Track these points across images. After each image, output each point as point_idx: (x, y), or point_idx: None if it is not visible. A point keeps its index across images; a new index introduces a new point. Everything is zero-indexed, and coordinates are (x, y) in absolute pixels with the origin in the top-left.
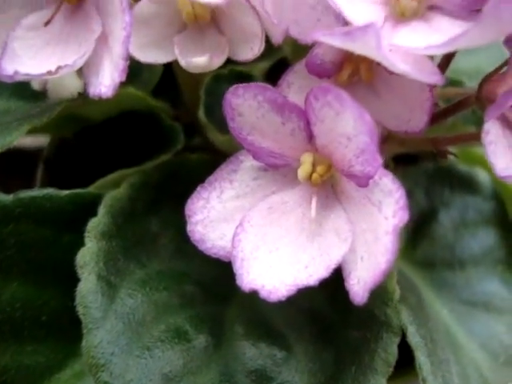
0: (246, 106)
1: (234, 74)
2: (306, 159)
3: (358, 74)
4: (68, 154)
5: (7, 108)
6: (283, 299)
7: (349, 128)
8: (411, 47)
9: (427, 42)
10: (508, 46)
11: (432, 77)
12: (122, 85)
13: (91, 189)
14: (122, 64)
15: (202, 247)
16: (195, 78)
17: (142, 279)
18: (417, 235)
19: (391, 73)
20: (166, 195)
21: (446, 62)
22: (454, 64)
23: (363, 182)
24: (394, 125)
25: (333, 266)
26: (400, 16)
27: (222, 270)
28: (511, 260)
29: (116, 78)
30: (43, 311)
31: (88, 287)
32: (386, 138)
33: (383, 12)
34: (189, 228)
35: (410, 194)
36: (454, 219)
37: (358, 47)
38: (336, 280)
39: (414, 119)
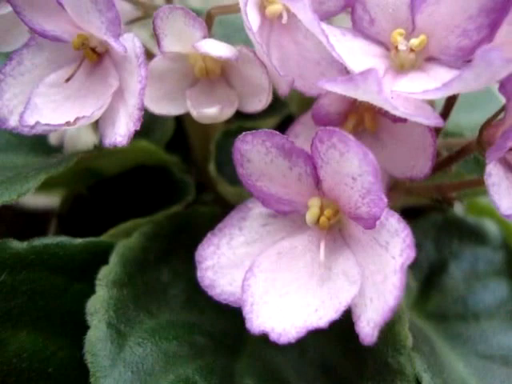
0: (254, 151)
1: (243, 129)
2: (314, 203)
3: (362, 123)
4: (81, 208)
5: (25, 163)
6: (293, 341)
7: (353, 168)
8: (410, 93)
9: (424, 87)
10: (502, 92)
11: (432, 119)
12: (135, 140)
13: (104, 237)
14: (137, 114)
15: (211, 293)
16: (205, 133)
17: (152, 328)
18: (428, 287)
19: (395, 121)
20: (177, 246)
21: (446, 111)
22: (457, 120)
23: (370, 223)
24: (400, 172)
25: (342, 308)
26: (400, 68)
27: (232, 322)
28: None
29: (131, 127)
30: (50, 362)
31: (97, 335)
32: (393, 187)
33: (384, 64)
34: (199, 274)
35: (419, 247)
36: (465, 271)
37: (360, 93)
38: (348, 331)
39: (418, 165)
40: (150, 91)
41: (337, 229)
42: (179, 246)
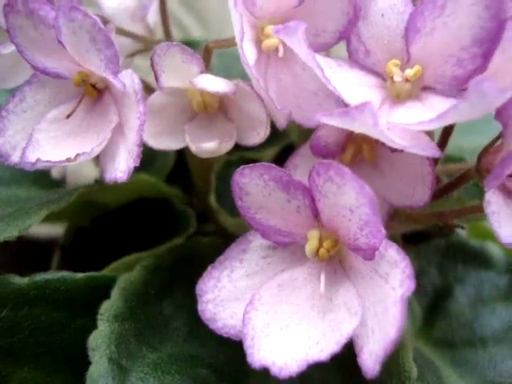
0: (252, 184)
1: (243, 160)
2: (313, 235)
3: (361, 153)
4: (84, 240)
5: (28, 196)
6: (294, 375)
7: (351, 200)
8: (406, 124)
9: (420, 118)
10: (498, 119)
11: (428, 150)
12: (137, 172)
13: (105, 271)
14: (136, 150)
15: (212, 326)
16: (206, 165)
17: (154, 362)
18: (433, 313)
19: (393, 151)
20: (178, 278)
21: (444, 138)
22: (458, 143)
23: (369, 254)
24: (399, 201)
25: (344, 340)
26: (396, 98)
27: (235, 354)
28: None
29: (131, 163)
30: None
31: (99, 370)
32: (394, 215)
33: (380, 95)
34: (200, 307)
35: (423, 272)
36: (470, 295)
37: (357, 126)
38: (351, 362)
39: (417, 194)
40: (149, 126)
41: (337, 260)
42: (181, 278)
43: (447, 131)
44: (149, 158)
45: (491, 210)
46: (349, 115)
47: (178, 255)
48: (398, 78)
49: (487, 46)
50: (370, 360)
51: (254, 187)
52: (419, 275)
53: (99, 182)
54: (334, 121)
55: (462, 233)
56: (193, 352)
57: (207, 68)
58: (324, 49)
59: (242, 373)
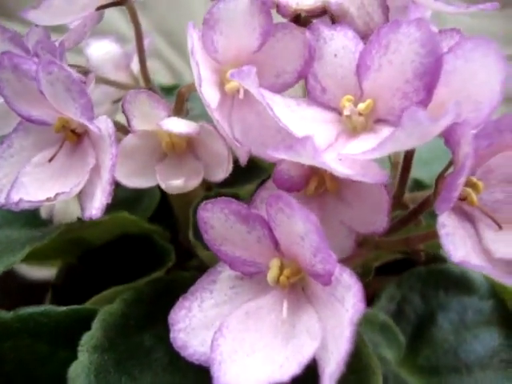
0: (215, 218)
1: (220, 196)
2: (274, 264)
3: (324, 184)
4: (73, 278)
5: (19, 236)
6: None
7: (300, 228)
8: (352, 154)
9: (363, 148)
10: (447, 146)
11: (376, 178)
12: (118, 210)
13: (87, 305)
14: (108, 189)
15: (184, 354)
16: (186, 201)
17: None
18: (417, 341)
19: (353, 180)
20: (158, 310)
21: (406, 165)
22: (432, 171)
23: (326, 279)
24: (363, 228)
25: (305, 361)
26: (352, 131)
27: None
28: None
29: (103, 201)
30: None
31: None
32: (362, 243)
33: (336, 129)
34: (172, 335)
35: (406, 300)
36: (454, 322)
37: (304, 159)
38: None
39: (377, 220)
40: (122, 167)
41: (300, 288)
42: (161, 310)
43: (408, 157)
44: (136, 197)
45: (445, 232)
46: (293, 149)
47: (157, 288)
48: (347, 112)
49: (428, 79)
50: (330, 381)
51: (217, 221)
52: (402, 303)
53: (80, 220)
54: (281, 155)
55: (444, 259)
56: (173, 382)
57: (181, 110)
58: (285, 88)
59: None
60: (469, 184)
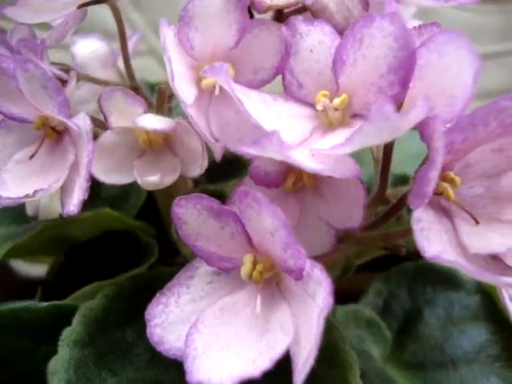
0: (188, 214)
1: (206, 193)
2: (247, 259)
3: (301, 180)
4: (63, 274)
5: (7, 233)
6: None
7: (268, 224)
8: (322, 149)
9: (332, 143)
10: (423, 140)
11: (345, 173)
12: (102, 207)
13: (68, 300)
14: (85, 185)
15: (160, 349)
16: (171, 198)
17: None
18: (403, 337)
19: (330, 176)
20: (140, 306)
21: (385, 160)
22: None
23: (298, 275)
24: (341, 224)
25: (277, 357)
26: (329, 126)
27: None
28: (508, 355)
29: (80, 197)
30: None
31: None
32: (343, 238)
33: (312, 124)
34: (148, 331)
35: (393, 296)
36: (440, 317)
37: (271, 153)
38: None
39: (354, 216)
40: (101, 163)
41: (275, 283)
42: (142, 306)
43: (387, 152)
44: (123, 194)
45: (420, 227)
46: (259, 143)
47: (139, 283)
48: (319, 107)
49: (402, 73)
50: (299, 375)
51: (190, 216)
52: (389, 299)
53: (62, 217)
54: (249, 150)
55: None
56: (153, 377)
57: (161, 108)
58: (263, 84)
59: None
60: (446, 179)
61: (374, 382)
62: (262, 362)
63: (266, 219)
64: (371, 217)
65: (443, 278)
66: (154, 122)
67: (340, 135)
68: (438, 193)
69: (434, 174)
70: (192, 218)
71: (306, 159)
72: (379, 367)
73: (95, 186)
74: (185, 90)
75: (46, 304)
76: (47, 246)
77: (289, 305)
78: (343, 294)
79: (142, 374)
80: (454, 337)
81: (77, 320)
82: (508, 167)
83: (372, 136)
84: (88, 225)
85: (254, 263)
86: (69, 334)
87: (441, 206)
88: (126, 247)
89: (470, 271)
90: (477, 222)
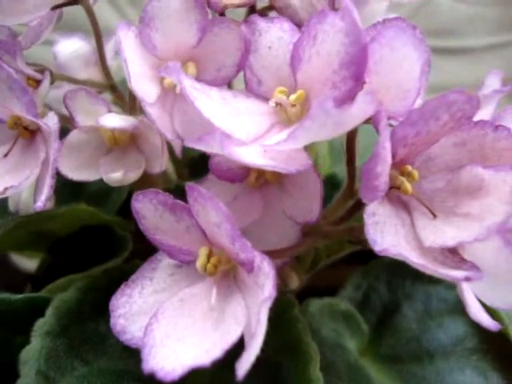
0: (146, 209)
1: (180, 188)
2: (202, 252)
3: (264, 175)
4: (51, 269)
5: None
6: (176, 379)
7: (214, 218)
8: (269, 145)
9: (278, 139)
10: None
11: (295, 167)
12: (77, 203)
13: (42, 293)
14: (50, 182)
15: (122, 338)
16: None
17: (83, 375)
18: (380, 330)
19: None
20: None
21: (349, 153)
22: None
23: (249, 267)
24: (301, 218)
25: (227, 347)
26: (288, 122)
27: None
28: (485, 348)
29: (46, 193)
30: None
31: (25, 382)
32: (309, 232)
33: (270, 120)
34: (112, 321)
35: (372, 289)
36: (418, 310)
37: (217, 150)
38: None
39: (314, 210)
40: (69, 161)
41: (232, 276)
42: None
43: (349, 148)
44: (105, 191)
45: (374, 221)
46: (203, 140)
47: (112, 276)
48: (272, 103)
49: (354, 68)
50: (244, 364)
51: (148, 211)
52: (368, 293)
53: (38, 213)
54: (196, 146)
55: None
56: (125, 367)
57: (134, 106)
58: (227, 81)
59: None
60: (404, 173)
61: (347, 375)
62: (214, 351)
63: (211, 213)
64: (341, 211)
65: (423, 272)
66: (114, 121)
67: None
68: (396, 186)
69: (381, 168)
70: (149, 212)
71: (252, 155)
72: (353, 360)
73: (80, 182)
74: (146, 90)
75: (21, 296)
76: (30, 241)
77: (243, 297)
78: (322, 289)
79: (114, 364)
80: (431, 330)
81: (50, 312)
82: (470, 161)
83: (315, 132)
84: (65, 220)
85: (209, 256)
86: (41, 325)
87: (401, 199)
88: (103, 242)
89: (422, 266)
90: (434, 216)
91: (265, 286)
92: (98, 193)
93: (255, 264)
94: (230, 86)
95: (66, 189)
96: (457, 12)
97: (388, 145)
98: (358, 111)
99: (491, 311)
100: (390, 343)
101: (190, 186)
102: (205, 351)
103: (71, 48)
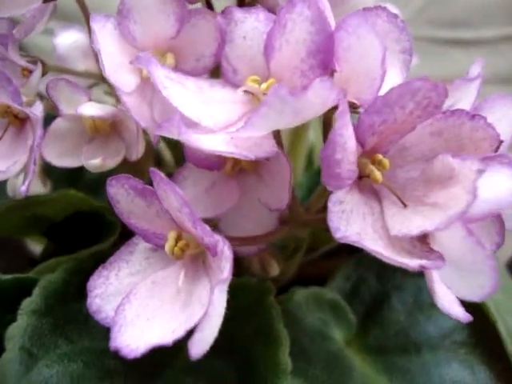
0: (119, 194)
1: (168, 176)
2: (171, 236)
3: (240, 163)
4: (51, 253)
5: None
6: (138, 356)
7: (174, 203)
8: (231, 132)
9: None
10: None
11: (258, 154)
12: (67, 189)
13: (31, 274)
14: (32, 167)
15: (97, 317)
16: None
17: (65, 353)
18: (368, 321)
19: (267, 159)
20: None
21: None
22: None
23: (213, 251)
24: (274, 204)
25: (190, 327)
26: None
27: (157, 351)
28: (475, 341)
29: (29, 178)
30: None
31: (9, 357)
32: (289, 220)
33: (243, 109)
34: (88, 301)
35: (362, 280)
36: (407, 303)
37: (174, 135)
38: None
39: (284, 197)
40: (54, 148)
41: (201, 261)
42: None
43: (326, 131)
44: (103, 178)
45: (341, 209)
46: (163, 127)
47: (99, 259)
48: (240, 91)
49: (321, 56)
50: (197, 344)
51: (121, 196)
52: (358, 283)
53: (27, 197)
54: (156, 132)
55: None
56: (107, 347)
57: None
58: (205, 71)
59: (157, 368)
60: (374, 161)
61: (325, 363)
62: (179, 332)
63: (171, 197)
64: (323, 200)
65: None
66: (92, 110)
67: None
68: (366, 175)
69: (341, 155)
70: (122, 197)
71: (213, 142)
72: (336, 349)
73: (78, 169)
74: (124, 80)
75: (9, 277)
76: (26, 225)
77: (209, 280)
78: (314, 279)
79: (97, 344)
80: (419, 322)
81: (36, 292)
82: (446, 151)
83: (274, 119)
84: (57, 205)
85: (178, 240)
86: (28, 304)
87: (372, 188)
88: (95, 227)
89: (385, 257)
90: (405, 205)
91: (225, 270)
92: (94, 181)
93: (218, 248)
94: (217, 75)
95: (63, 176)
96: (472, 1)
97: (346, 132)
98: (315, 97)
99: (481, 306)
100: (377, 334)
101: (152, 170)
102: (171, 331)
103: (70, 40)
